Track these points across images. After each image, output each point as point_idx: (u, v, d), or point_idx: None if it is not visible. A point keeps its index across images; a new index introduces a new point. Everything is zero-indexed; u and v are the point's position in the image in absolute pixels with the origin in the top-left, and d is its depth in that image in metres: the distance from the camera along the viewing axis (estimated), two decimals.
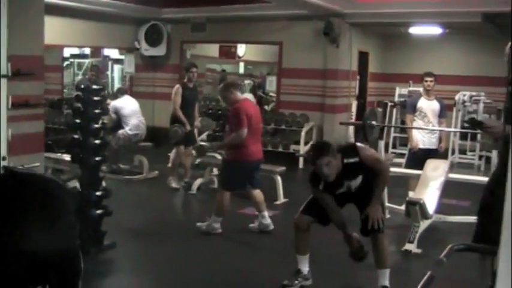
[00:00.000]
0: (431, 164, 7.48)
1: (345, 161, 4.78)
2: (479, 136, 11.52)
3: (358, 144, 5.09)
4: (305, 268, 5.21)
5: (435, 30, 12.96)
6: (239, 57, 16.81)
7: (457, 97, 12.28)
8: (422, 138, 8.46)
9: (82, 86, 6.13)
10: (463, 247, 2.77)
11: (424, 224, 6.63)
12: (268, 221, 7.15)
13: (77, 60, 16.52)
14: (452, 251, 2.68)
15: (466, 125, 9.53)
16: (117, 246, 6.23)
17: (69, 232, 2.70)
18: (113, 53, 16.30)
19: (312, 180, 4.96)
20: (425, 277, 2.62)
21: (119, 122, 10.32)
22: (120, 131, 10.23)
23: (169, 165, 10.43)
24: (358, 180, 4.88)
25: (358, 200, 5.00)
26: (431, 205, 6.68)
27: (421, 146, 8.41)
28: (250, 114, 6.79)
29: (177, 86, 9.51)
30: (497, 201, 3.58)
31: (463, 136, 12.39)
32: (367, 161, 4.81)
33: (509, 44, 3.47)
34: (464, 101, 12.15)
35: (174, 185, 9.49)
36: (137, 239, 6.85)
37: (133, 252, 6.45)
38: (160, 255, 6.27)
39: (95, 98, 6.03)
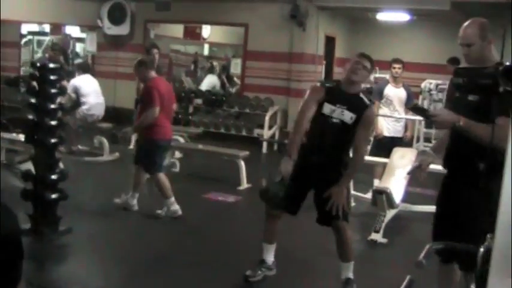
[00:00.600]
0: (398, 152, 7.37)
1: (361, 94, 4.64)
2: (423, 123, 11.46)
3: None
4: (270, 258, 5.03)
5: (403, 16, 12.87)
6: (204, 39, 16.54)
7: (423, 85, 12.23)
8: (387, 125, 8.35)
9: (38, 64, 5.86)
10: (442, 247, 2.60)
11: (390, 213, 6.53)
12: (175, 207, 6.80)
13: (36, 38, 16.06)
14: (431, 251, 2.50)
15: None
16: (74, 231, 5.98)
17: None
18: (74, 30, 15.89)
19: (316, 89, 4.71)
20: (405, 282, 2.43)
21: (78, 101, 10.01)
22: (78, 110, 9.93)
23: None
24: (352, 117, 4.55)
25: (325, 168, 4.67)
26: (397, 194, 6.57)
27: (386, 134, 8.31)
28: (162, 92, 6.70)
29: None
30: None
31: (428, 124, 12.33)
32: (366, 118, 4.58)
33: (463, 25, 3.33)
34: (430, 89, 12.10)
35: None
36: (94, 223, 6.61)
37: (89, 236, 6.18)
38: (117, 239, 6.08)
39: (52, 77, 5.76)
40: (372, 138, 8.96)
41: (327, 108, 4.58)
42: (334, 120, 4.56)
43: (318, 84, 4.89)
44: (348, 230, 4.74)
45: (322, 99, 4.60)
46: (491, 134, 3.06)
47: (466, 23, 3.39)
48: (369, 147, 8.96)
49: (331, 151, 4.66)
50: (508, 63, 1.12)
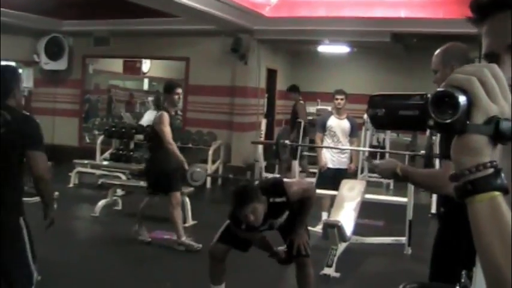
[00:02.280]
0: (347, 184, 7.28)
1: (271, 200, 4.37)
2: (387, 155, 11.53)
3: (285, 180, 4.68)
4: None
5: (344, 48, 12.95)
6: (144, 73, 16.30)
7: (365, 116, 12.25)
8: (331, 157, 8.29)
9: None
10: (416, 286, 2.45)
11: (341, 247, 6.39)
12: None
13: None
14: None
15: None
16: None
17: None
18: None
19: (233, 221, 4.53)
20: None
21: None
22: None
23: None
24: (284, 217, 4.54)
25: (283, 229, 4.69)
26: (348, 227, 6.45)
27: (330, 166, 8.24)
28: None
29: (163, 113, 7.04)
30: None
31: (372, 155, 12.36)
32: (295, 196, 4.44)
33: (438, 51, 3.23)
34: None
35: (144, 237, 7.37)
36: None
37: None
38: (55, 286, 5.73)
39: None
40: (316, 171, 8.91)
41: (261, 229, 4.60)
42: (276, 227, 4.69)
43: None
44: (309, 264, 4.68)
45: None
46: (431, 181, 2.99)
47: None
48: (314, 180, 8.88)
49: (289, 227, 4.63)
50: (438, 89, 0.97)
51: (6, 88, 3.80)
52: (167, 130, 6.87)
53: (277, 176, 4.52)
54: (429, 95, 0.97)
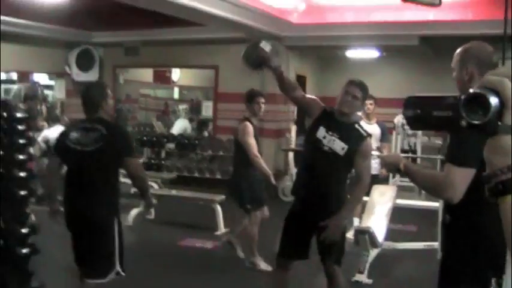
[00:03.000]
0: (377, 189, 7.25)
1: (356, 125, 4.40)
2: (418, 160, 11.47)
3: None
4: None
5: (372, 53, 12.91)
6: (174, 82, 16.44)
7: (396, 120, 12.20)
8: None
9: (4, 114, 5.65)
10: None
11: (373, 253, 6.38)
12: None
13: (3, 86, 15.82)
14: None
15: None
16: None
17: None
18: (42, 78, 15.69)
19: (318, 102, 4.53)
20: None
21: (48, 152, 9.74)
22: (44, 159, 9.63)
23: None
24: (344, 147, 4.28)
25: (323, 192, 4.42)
26: (380, 233, 6.42)
27: None
28: None
29: (246, 123, 6.65)
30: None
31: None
32: (362, 153, 4.31)
33: (458, 50, 3.18)
34: (403, 124, 12.05)
35: (262, 266, 6.72)
36: (69, 278, 6.32)
37: None
38: None
39: (19, 128, 5.56)
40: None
41: (321, 131, 4.32)
42: (325, 148, 4.29)
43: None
44: (340, 274, 4.52)
45: (316, 118, 4.41)
46: (431, 183, 2.92)
47: None
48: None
49: (321, 185, 4.40)
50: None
51: (95, 103, 4.42)
52: (252, 142, 6.42)
53: None
54: (462, 97, 0.99)
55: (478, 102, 0.97)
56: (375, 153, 8.13)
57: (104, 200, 4.46)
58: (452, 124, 1.03)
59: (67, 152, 4.47)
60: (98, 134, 4.34)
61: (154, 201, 5.10)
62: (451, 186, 2.68)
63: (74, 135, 4.44)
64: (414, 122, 1.12)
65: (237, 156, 6.88)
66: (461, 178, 2.66)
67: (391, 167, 3.07)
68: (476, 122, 0.97)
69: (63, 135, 4.58)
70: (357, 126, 4.42)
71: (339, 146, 4.26)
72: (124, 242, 4.59)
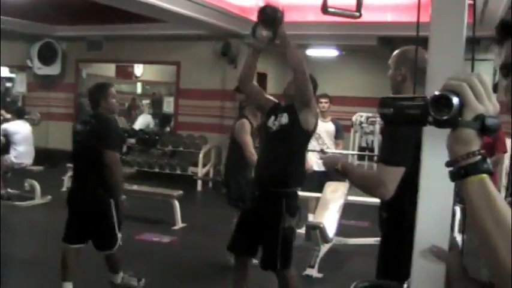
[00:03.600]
0: (330, 186, 7.43)
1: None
2: (375, 157, 11.67)
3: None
4: None
5: (332, 52, 13.09)
6: (136, 77, 16.44)
7: (354, 118, 12.41)
8: (317, 160, 8.38)
9: None
10: (367, 285, 2.62)
11: (324, 248, 6.56)
12: None
13: None
14: None
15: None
16: (3, 283, 5.78)
17: None
18: (3, 71, 15.58)
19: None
20: None
21: (7, 146, 9.73)
22: (5, 156, 9.63)
23: None
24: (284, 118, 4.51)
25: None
26: (331, 228, 6.61)
27: (316, 168, 8.32)
28: None
29: (244, 121, 6.55)
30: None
31: (361, 157, 12.51)
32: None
33: (396, 51, 3.38)
34: (361, 122, 12.28)
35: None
36: (27, 272, 6.38)
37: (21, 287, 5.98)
38: None
39: None
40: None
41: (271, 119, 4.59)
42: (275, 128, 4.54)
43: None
44: (293, 279, 4.58)
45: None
46: (364, 181, 3.09)
47: None
48: None
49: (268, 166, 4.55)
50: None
51: (96, 100, 5.18)
52: (248, 141, 6.28)
53: None
54: (428, 97, 1.20)
55: (443, 102, 1.19)
56: (317, 154, 8.33)
57: (97, 183, 5.07)
58: (421, 121, 1.24)
59: (73, 141, 5.30)
60: (90, 127, 5.13)
61: (123, 197, 5.22)
62: (382, 184, 2.87)
63: (77, 127, 5.30)
64: (388, 119, 1.31)
65: (232, 154, 6.79)
66: (392, 176, 2.85)
67: (330, 167, 3.20)
68: (442, 118, 1.19)
69: (73, 127, 5.44)
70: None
71: (280, 121, 4.53)
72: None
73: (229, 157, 6.96)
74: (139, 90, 17.92)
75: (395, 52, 3.31)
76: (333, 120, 8.57)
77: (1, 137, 9.65)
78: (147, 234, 7.81)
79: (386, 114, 1.30)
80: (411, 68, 3.09)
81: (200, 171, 12.07)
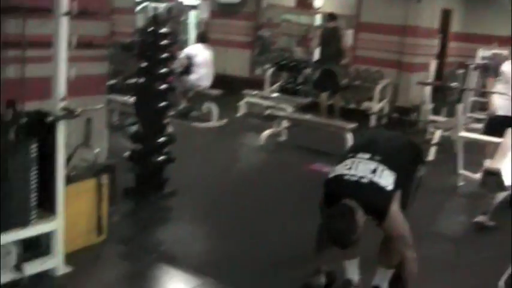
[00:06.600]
0: None
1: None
2: None
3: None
4: (355, 276, 4.26)
5: None
6: (316, 9, 16.33)
7: None
8: (501, 104, 7.89)
9: (148, 30, 5.99)
10: None
11: (500, 196, 6.25)
12: None
13: (151, 5, 16.42)
14: None
15: None
16: (178, 194, 6.12)
17: None
18: None
19: None
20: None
21: (189, 68, 10.25)
22: (187, 77, 10.18)
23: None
24: None
25: None
26: (508, 176, 6.26)
27: (500, 113, 7.85)
28: None
29: None
30: None
31: None
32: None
33: None
34: None
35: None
36: (199, 188, 6.69)
37: (193, 200, 6.28)
38: (220, 205, 6.16)
39: (162, 43, 5.88)
40: (485, 117, 8.57)
41: None
42: None
43: None
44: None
45: None
46: None
47: None
48: (481, 126, 8.59)
49: None
50: None
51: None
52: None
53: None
54: None
55: None
56: (503, 97, 7.79)
57: None
58: None
59: None
60: None
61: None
62: None
63: None
64: None
65: None
66: None
67: None
68: None
69: None
70: None
71: None
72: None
73: None
74: (318, 22, 17.83)
75: None
76: None
77: (184, 60, 10.16)
78: (318, 165, 7.84)
79: None
80: None
81: (375, 106, 11.88)
